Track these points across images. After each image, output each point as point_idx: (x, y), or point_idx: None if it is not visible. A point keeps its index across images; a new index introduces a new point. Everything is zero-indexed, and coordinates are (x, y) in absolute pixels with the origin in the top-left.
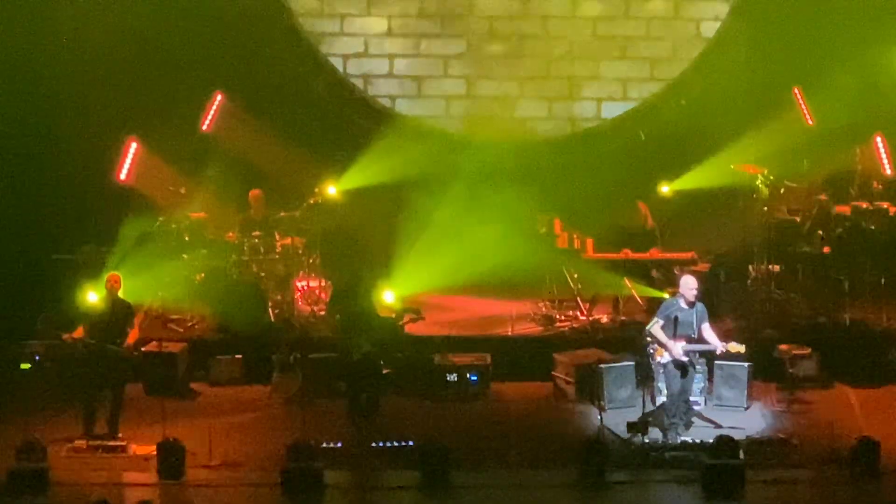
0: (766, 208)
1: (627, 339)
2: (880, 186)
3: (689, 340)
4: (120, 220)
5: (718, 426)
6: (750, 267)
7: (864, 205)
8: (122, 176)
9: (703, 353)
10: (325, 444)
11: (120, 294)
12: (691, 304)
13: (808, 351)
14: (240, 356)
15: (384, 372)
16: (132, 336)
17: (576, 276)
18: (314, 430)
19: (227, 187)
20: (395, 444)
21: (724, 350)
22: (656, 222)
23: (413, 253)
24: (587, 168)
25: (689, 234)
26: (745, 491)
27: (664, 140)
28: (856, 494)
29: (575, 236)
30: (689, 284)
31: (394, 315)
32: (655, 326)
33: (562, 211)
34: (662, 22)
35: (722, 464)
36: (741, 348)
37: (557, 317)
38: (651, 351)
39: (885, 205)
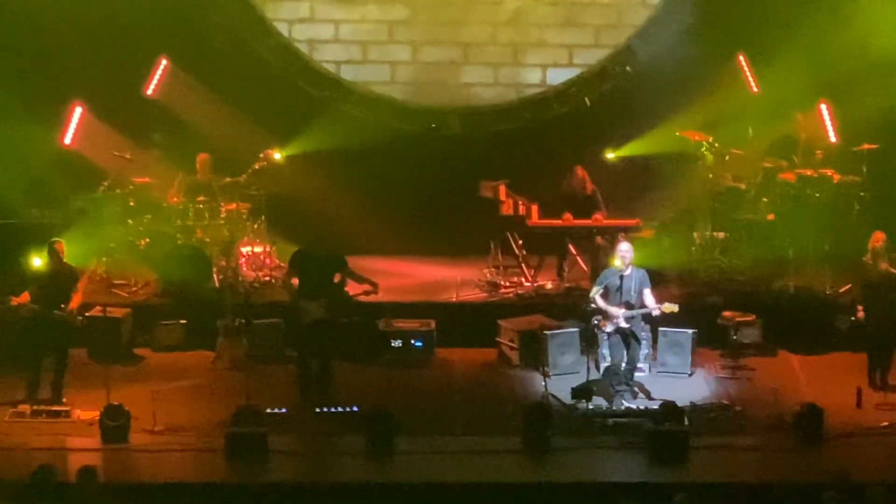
0: (710, 175)
1: (572, 306)
2: (821, 154)
3: (629, 307)
4: (65, 184)
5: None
6: (694, 234)
7: (809, 172)
8: (67, 140)
9: (644, 318)
10: (269, 410)
11: (64, 259)
12: (629, 270)
13: (752, 318)
14: (184, 321)
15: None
16: (76, 301)
17: (520, 242)
18: (258, 395)
19: (172, 152)
20: (340, 409)
21: (660, 311)
22: (600, 188)
23: (357, 218)
24: (532, 134)
25: (635, 201)
26: (689, 457)
27: (609, 107)
28: (799, 461)
29: (520, 202)
30: (620, 249)
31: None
32: (597, 294)
33: (507, 177)
34: None
35: (666, 430)
36: (674, 308)
37: (502, 283)
38: (596, 321)
39: (829, 172)
